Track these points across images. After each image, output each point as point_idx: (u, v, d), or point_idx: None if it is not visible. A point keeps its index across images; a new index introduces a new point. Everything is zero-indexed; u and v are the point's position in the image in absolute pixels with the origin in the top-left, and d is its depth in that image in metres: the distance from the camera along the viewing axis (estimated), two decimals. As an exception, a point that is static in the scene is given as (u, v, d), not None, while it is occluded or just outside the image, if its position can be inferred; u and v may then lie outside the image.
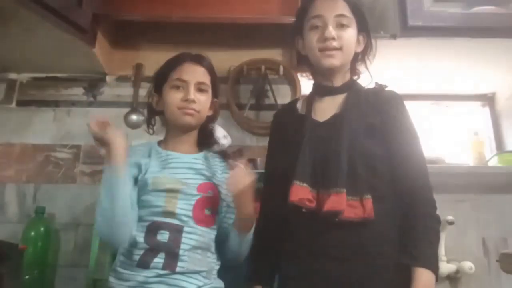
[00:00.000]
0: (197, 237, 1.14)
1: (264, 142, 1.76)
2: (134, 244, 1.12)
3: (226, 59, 1.84)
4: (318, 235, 1.07)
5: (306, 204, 1.06)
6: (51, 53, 1.72)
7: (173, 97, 1.22)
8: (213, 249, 1.19)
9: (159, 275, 1.08)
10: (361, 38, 1.22)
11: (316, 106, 1.21)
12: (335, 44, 1.15)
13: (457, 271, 1.54)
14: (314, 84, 1.27)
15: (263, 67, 1.86)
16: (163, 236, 1.11)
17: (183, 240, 1.12)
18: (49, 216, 1.63)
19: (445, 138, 2.02)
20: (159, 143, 1.29)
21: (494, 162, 1.81)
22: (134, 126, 1.80)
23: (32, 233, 1.54)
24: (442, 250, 1.51)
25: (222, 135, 1.58)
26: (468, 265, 1.53)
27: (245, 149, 1.79)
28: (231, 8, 1.72)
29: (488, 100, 2.10)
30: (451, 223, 1.48)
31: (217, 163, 1.27)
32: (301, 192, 1.07)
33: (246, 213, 1.15)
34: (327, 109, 1.19)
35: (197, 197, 1.17)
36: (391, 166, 1.10)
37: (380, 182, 1.08)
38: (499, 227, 1.67)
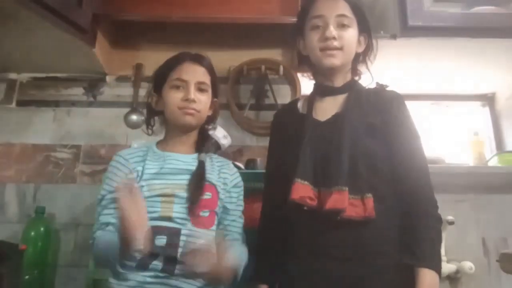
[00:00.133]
0: (195, 239, 1.13)
1: (264, 142, 1.77)
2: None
3: (226, 59, 1.84)
4: (319, 235, 1.07)
5: (307, 202, 1.06)
6: (51, 53, 1.72)
7: (173, 97, 1.22)
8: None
9: (158, 277, 1.08)
10: (362, 38, 1.22)
11: (317, 106, 1.21)
12: (336, 44, 1.15)
13: (457, 271, 1.55)
14: (315, 84, 1.28)
15: (263, 67, 1.86)
16: (161, 241, 1.11)
17: (181, 243, 1.11)
18: (49, 216, 1.62)
19: (445, 138, 2.02)
20: (158, 143, 1.29)
21: (494, 162, 1.81)
22: (134, 126, 1.80)
23: (32, 233, 1.54)
24: (442, 250, 1.51)
25: (222, 135, 1.59)
26: (468, 265, 1.53)
27: (245, 149, 1.79)
28: (231, 8, 1.72)
29: (488, 100, 2.10)
30: (451, 223, 1.48)
31: (215, 163, 1.27)
32: (302, 190, 1.07)
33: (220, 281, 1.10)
34: (328, 109, 1.19)
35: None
36: (392, 165, 1.10)
37: (381, 182, 1.08)
38: (499, 227, 1.67)
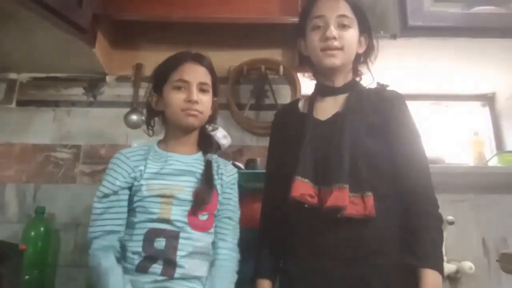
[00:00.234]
0: (193, 242, 1.13)
1: (264, 142, 1.77)
2: (133, 253, 1.12)
3: (226, 59, 1.84)
4: (319, 234, 1.07)
5: (307, 200, 1.06)
6: (51, 53, 1.72)
7: (176, 98, 1.21)
8: (211, 252, 1.19)
9: (157, 281, 1.08)
10: (363, 39, 1.23)
11: (318, 105, 1.22)
12: (336, 43, 1.15)
13: (457, 271, 1.55)
14: (316, 84, 1.28)
15: (263, 67, 1.86)
16: (160, 244, 1.11)
17: (180, 246, 1.11)
18: (49, 216, 1.62)
19: (445, 138, 2.02)
20: (159, 142, 1.28)
21: (494, 162, 1.81)
22: (134, 126, 1.80)
23: (32, 233, 1.54)
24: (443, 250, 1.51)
25: (222, 135, 1.59)
26: (468, 265, 1.53)
27: (245, 149, 1.79)
28: (231, 8, 1.72)
29: (488, 100, 2.10)
30: (451, 223, 1.48)
31: (214, 164, 1.26)
32: (302, 188, 1.07)
33: None
34: (328, 108, 1.20)
35: (192, 203, 1.16)
36: (393, 165, 1.11)
37: (381, 181, 1.08)
38: (499, 227, 1.67)
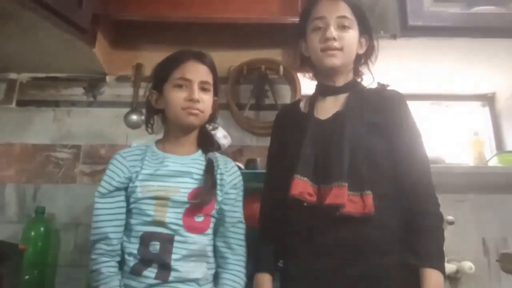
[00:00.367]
0: (188, 245, 1.13)
1: (264, 142, 1.77)
2: (128, 254, 1.12)
3: (226, 59, 1.84)
4: (319, 234, 1.08)
5: (306, 198, 1.07)
6: (51, 53, 1.72)
7: (177, 97, 1.20)
8: (209, 253, 1.18)
9: (151, 285, 1.08)
10: (364, 40, 1.24)
11: (319, 105, 1.23)
12: (336, 44, 1.16)
13: (457, 271, 1.55)
14: (317, 85, 1.29)
15: (263, 67, 1.86)
16: (155, 247, 1.11)
17: (174, 250, 1.11)
18: (49, 216, 1.62)
19: (445, 138, 2.02)
20: (157, 142, 1.27)
21: (494, 162, 1.81)
22: (134, 126, 1.80)
23: (32, 233, 1.54)
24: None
25: (222, 135, 1.59)
26: (468, 265, 1.53)
27: (245, 149, 1.79)
28: (231, 8, 1.72)
29: (488, 100, 2.10)
30: (451, 223, 1.48)
31: (219, 164, 1.25)
32: (302, 186, 1.08)
33: None
34: (329, 108, 1.20)
35: (187, 205, 1.15)
36: (393, 163, 1.11)
37: (382, 180, 1.09)
38: (499, 227, 1.67)
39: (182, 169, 1.19)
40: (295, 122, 1.23)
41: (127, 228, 1.16)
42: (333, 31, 1.16)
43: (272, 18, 1.73)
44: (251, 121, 1.81)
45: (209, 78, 1.24)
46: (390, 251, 1.04)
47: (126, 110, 1.82)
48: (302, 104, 1.29)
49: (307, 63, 1.29)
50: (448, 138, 2.02)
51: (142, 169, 1.18)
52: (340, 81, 1.22)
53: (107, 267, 1.11)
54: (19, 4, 1.39)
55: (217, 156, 1.28)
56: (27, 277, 1.45)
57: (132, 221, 1.15)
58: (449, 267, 1.54)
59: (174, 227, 1.12)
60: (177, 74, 1.21)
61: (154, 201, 1.14)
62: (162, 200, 1.14)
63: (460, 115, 2.10)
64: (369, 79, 1.26)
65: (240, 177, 1.28)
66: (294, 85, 1.83)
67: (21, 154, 1.78)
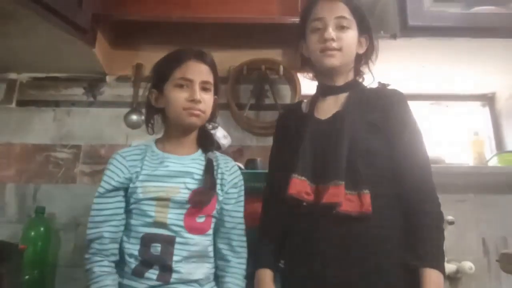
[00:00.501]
0: (189, 247, 1.13)
1: (264, 142, 1.77)
2: (129, 255, 1.12)
3: (226, 59, 1.84)
4: (318, 234, 1.08)
5: (303, 197, 1.07)
6: (51, 53, 1.72)
7: (178, 97, 1.19)
8: (211, 254, 1.18)
9: (152, 287, 1.08)
10: (364, 40, 1.24)
11: (319, 105, 1.23)
12: (334, 45, 1.17)
13: (457, 271, 1.55)
14: (317, 85, 1.29)
15: (263, 67, 1.86)
16: (156, 249, 1.11)
17: (175, 251, 1.11)
18: (49, 216, 1.62)
19: (445, 138, 2.02)
20: (157, 142, 1.27)
21: (494, 162, 1.82)
22: (134, 126, 1.80)
23: (32, 233, 1.54)
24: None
25: (222, 135, 1.59)
26: (468, 265, 1.53)
27: (245, 149, 1.79)
28: (231, 8, 1.72)
29: (488, 100, 2.10)
30: (451, 223, 1.48)
31: (219, 163, 1.25)
32: (299, 185, 1.08)
33: None
34: (329, 108, 1.21)
35: (188, 206, 1.14)
36: (393, 163, 1.11)
37: (381, 179, 1.09)
38: (499, 227, 1.67)
39: (182, 169, 1.19)
40: (296, 123, 1.23)
41: (127, 229, 1.15)
42: (331, 32, 1.17)
43: (272, 18, 1.73)
44: (251, 121, 1.81)
45: (210, 78, 1.23)
46: (390, 250, 1.04)
47: (126, 110, 1.82)
48: (304, 105, 1.30)
49: (308, 64, 1.30)
50: (448, 138, 2.02)
51: (142, 169, 1.18)
52: (340, 81, 1.22)
53: (100, 266, 1.11)
54: (19, 4, 1.39)
55: (217, 156, 1.27)
56: (27, 277, 1.45)
57: (133, 221, 1.14)
58: (449, 267, 1.54)
59: (175, 228, 1.12)
60: (178, 73, 1.20)
61: (155, 202, 1.14)
62: (163, 201, 1.13)
63: (460, 115, 2.10)
64: (369, 79, 1.27)
65: (241, 177, 1.28)
66: (294, 85, 1.83)
67: (21, 154, 1.78)
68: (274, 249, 1.18)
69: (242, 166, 1.56)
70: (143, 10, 1.72)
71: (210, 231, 1.19)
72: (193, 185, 1.17)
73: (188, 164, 1.21)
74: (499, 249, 1.59)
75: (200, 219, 1.16)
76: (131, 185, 1.16)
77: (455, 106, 2.11)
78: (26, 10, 1.41)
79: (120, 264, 1.14)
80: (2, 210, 1.70)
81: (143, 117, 1.64)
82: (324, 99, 1.24)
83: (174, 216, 1.13)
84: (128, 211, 1.17)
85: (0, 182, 1.74)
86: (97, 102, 1.86)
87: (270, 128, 1.77)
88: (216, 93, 1.29)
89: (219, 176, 1.22)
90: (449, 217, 1.48)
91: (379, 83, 1.24)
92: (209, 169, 1.20)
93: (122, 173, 1.17)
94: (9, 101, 1.85)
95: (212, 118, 1.31)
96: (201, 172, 1.20)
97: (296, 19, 1.34)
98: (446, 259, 1.51)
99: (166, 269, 1.09)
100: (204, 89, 1.21)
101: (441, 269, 1.01)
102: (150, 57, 1.79)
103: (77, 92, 1.87)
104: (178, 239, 1.12)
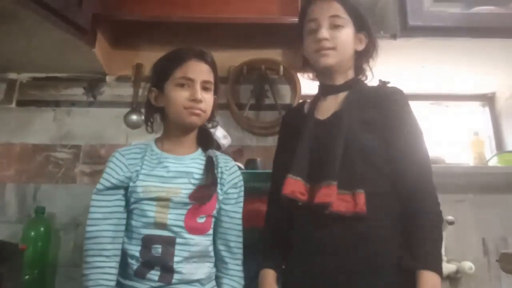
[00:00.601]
0: (190, 247, 1.12)
1: (264, 142, 1.77)
2: (131, 256, 1.12)
3: (226, 59, 1.84)
4: (314, 234, 1.08)
5: (298, 197, 1.07)
6: (51, 53, 1.72)
7: (179, 96, 1.18)
8: (211, 253, 1.19)
9: None
10: (362, 37, 1.23)
11: (320, 105, 1.23)
12: (328, 44, 1.17)
13: (457, 271, 1.55)
14: (318, 85, 1.29)
15: (263, 67, 1.86)
16: (157, 250, 1.10)
17: (176, 252, 1.11)
18: (49, 216, 1.62)
19: (445, 138, 2.02)
20: (157, 140, 1.26)
21: (494, 162, 1.82)
22: (134, 126, 1.80)
23: (32, 233, 1.54)
24: (442, 250, 1.51)
25: (222, 135, 1.59)
26: (468, 265, 1.53)
27: (245, 149, 1.79)
28: (231, 8, 1.72)
29: (488, 100, 2.11)
30: (451, 223, 1.48)
31: (219, 162, 1.25)
32: (294, 185, 1.08)
33: None
34: (330, 107, 1.20)
35: (189, 206, 1.14)
36: (392, 161, 1.10)
37: (378, 178, 1.08)
38: (499, 227, 1.67)
39: (183, 169, 1.19)
40: (298, 123, 1.23)
41: (128, 230, 1.15)
42: (324, 32, 1.17)
43: (272, 18, 1.73)
44: (251, 121, 1.81)
45: (210, 77, 1.23)
46: (386, 250, 1.03)
47: (126, 110, 1.82)
48: (306, 106, 1.30)
49: (309, 65, 1.30)
50: (448, 138, 2.03)
51: (142, 168, 1.17)
52: (340, 80, 1.22)
53: (102, 273, 1.10)
54: (20, 4, 1.40)
55: (217, 155, 1.27)
56: (27, 277, 1.45)
57: (133, 222, 1.14)
58: (449, 267, 1.54)
59: (175, 229, 1.12)
60: (178, 73, 1.20)
61: (155, 202, 1.13)
62: (163, 201, 1.13)
63: (460, 115, 2.10)
64: (370, 77, 1.27)
65: (240, 177, 1.27)
66: (294, 85, 1.83)
67: (21, 154, 1.78)
68: (279, 251, 1.18)
69: (242, 166, 1.56)
70: (143, 10, 1.72)
71: (211, 231, 1.19)
72: (193, 185, 1.17)
73: (188, 164, 1.21)
74: (499, 249, 1.59)
75: (201, 219, 1.16)
76: (131, 184, 1.16)
77: (455, 106, 2.11)
78: (26, 10, 1.42)
79: (122, 266, 1.13)
80: (2, 210, 1.70)
81: (143, 117, 1.63)
82: (325, 99, 1.24)
83: (174, 217, 1.13)
84: (128, 212, 1.16)
85: (0, 182, 1.74)
86: (97, 102, 1.86)
87: (270, 128, 1.77)
88: (216, 92, 1.28)
89: (219, 175, 1.22)
90: (449, 217, 1.48)
91: (380, 80, 1.24)
92: (210, 166, 1.20)
93: (122, 171, 1.17)
94: (9, 101, 1.85)
95: (211, 118, 1.31)
96: (201, 172, 1.19)
97: (296, 19, 1.34)
98: (446, 259, 1.53)
99: (167, 270, 1.09)
100: (205, 88, 1.21)
101: (438, 271, 0.99)
102: (150, 57, 1.79)
103: (77, 92, 1.87)
104: (178, 240, 1.12)
